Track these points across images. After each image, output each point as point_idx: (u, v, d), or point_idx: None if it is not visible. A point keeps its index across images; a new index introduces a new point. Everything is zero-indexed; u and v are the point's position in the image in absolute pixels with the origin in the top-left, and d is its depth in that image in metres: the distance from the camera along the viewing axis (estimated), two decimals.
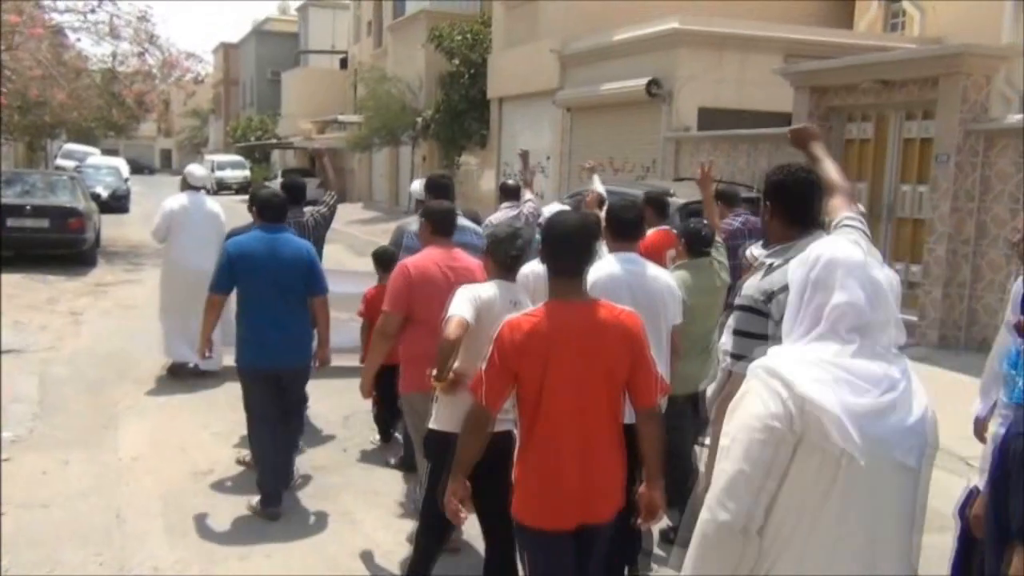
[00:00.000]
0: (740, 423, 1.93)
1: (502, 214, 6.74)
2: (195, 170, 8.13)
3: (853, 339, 1.92)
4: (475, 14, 22.89)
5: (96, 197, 18.71)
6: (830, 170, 2.82)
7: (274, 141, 39.52)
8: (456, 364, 3.30)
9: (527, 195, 6.91)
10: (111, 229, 18.14)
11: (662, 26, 14.07)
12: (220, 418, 6.46)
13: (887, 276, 2.07)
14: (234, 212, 9.17)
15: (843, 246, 2.09)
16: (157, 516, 4.76)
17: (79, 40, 16.59)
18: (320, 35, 42.05)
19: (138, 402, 6.85)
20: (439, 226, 4.14)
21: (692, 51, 13.92)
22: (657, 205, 5.73)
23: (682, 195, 8.35)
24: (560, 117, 17.33)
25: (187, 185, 7.85)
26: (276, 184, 26.53)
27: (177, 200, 7.63)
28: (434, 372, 3.23)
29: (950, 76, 8.87)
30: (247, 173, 38.36)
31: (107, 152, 36.92)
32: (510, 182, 7.30)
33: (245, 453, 5.40)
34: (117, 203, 23.41)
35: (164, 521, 4.69)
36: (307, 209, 6.38)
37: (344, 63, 37.32)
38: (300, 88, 39.30)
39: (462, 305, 3.31)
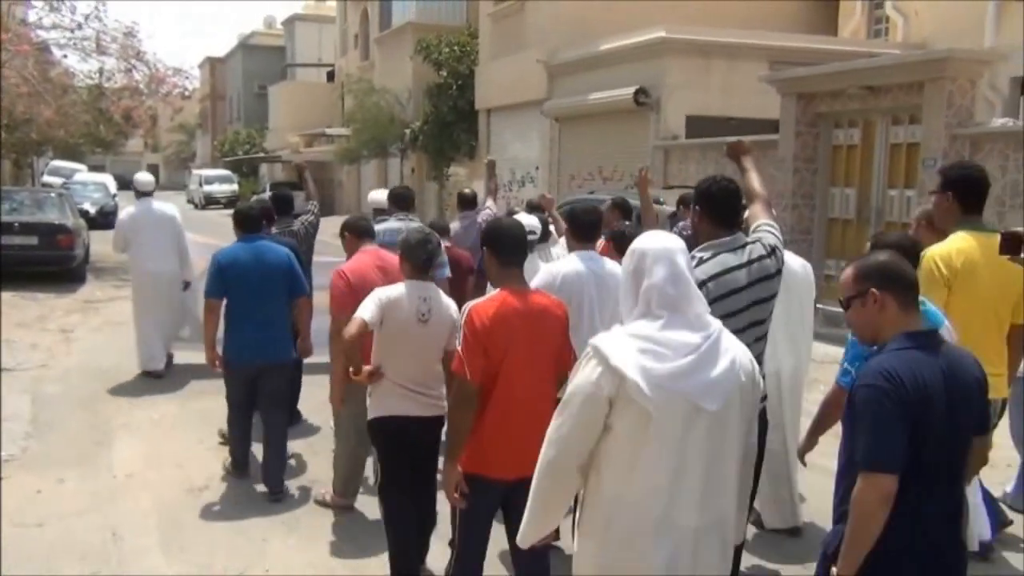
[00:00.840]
0: (574, 386, 2.46)
1: (458, 224, 7.03)
2: (140, 177, 8.58)
3: (662, 315, 2.41)
4: (462, 25, 22.97)
5: (84, 213, 18.64)
6: (754, 181, 3.53)
7: (262, 155, 39.48)
8: (374, 358, 3.85)
9: (488, 203, 7.35)
10: (100, 245, 17.98)
11: (649, 35, 14.16)
12: (215, 433, 6.43)
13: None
14: (222, 226, 9.15)
15: (653, 238, 2.55)
16: (153, 532, 4.74)
17: (65, 57, 16.64)
18: (307, 48, 42.08)
19: (132, 419, 6.82)
20: (362, 233, 4.88)
21: (679, 59, 14.01)
22: (622, 209, 6.28)
23: (671, 203, 8.41)
24: (548, 127, 17.40)
25: (138, 193, 8.27)
26: (265, 197, 26.63)
27: (127, 211, 8.21)
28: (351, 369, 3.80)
29: (935, 81, 8.96)
30: (235, 187, 38.30)
31: (94, 168, 36.79)
32: (467, 191, 7.62)
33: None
34: (105, 219, 23.24)
35: (160, 537, 4.68)
36: (299, 218, 6.78)
37: (331, 76, 37.36)
38: (287, 101, 39.28)
39: (367, 307, 3.77)
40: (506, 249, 3.36)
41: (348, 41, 32.71)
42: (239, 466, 5.50)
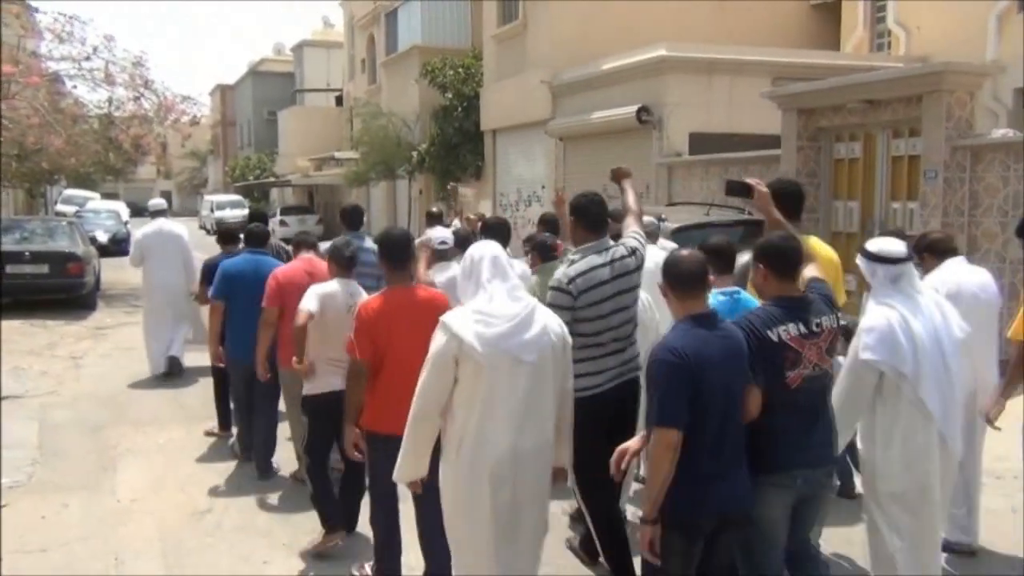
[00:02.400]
0: (430, 352, 3.33)
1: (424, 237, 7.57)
2: (153, 201, 10.13)
3: (490, 287, 3.35)
4: (466, 48, 23.14)
5: (95, 241, 18.82)
6: (629, 198, 4.48)
7: (272, 179, 39.77)
8: (308, 352, 4.75)
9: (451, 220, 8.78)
10: (111, 273, 18.22)
11: (650, 53, 14.24)
12: (219, 457, 6.49)
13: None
14: None
15: (479, 247, 3.51)
16: (156, 557, 4.77)
17: (75, 87, 16.77)
18: (315, 74, 42.47)
19: (137, 444, 6.87)
20: (299, 243, 5.92)
21: (680, 77, 14.06)
22: (548, 224, 6.68)
23: (674, 220, 8.43)
24: (553, 146, 17.47)
25: (152, 213, 9.57)
26: (275, 221, 26.79)
27: (144, 230, 9.35)
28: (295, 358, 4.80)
29: (933, 94, 8.98)
30: (246, 212, 38.48)
31: (107, 196, 37.16)
32: (434, 209, 9.00)
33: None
34: (117, 247, 23.49)
35: (163, 562, 4.71)
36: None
37: (339, 100, 37.64)
38: (297, 126, 39.59)
39: (309, 299, 4.75)
40: (392, 256, 4.13)
41: (355, 66, 32.98)
42: (246, 449, 6.30)
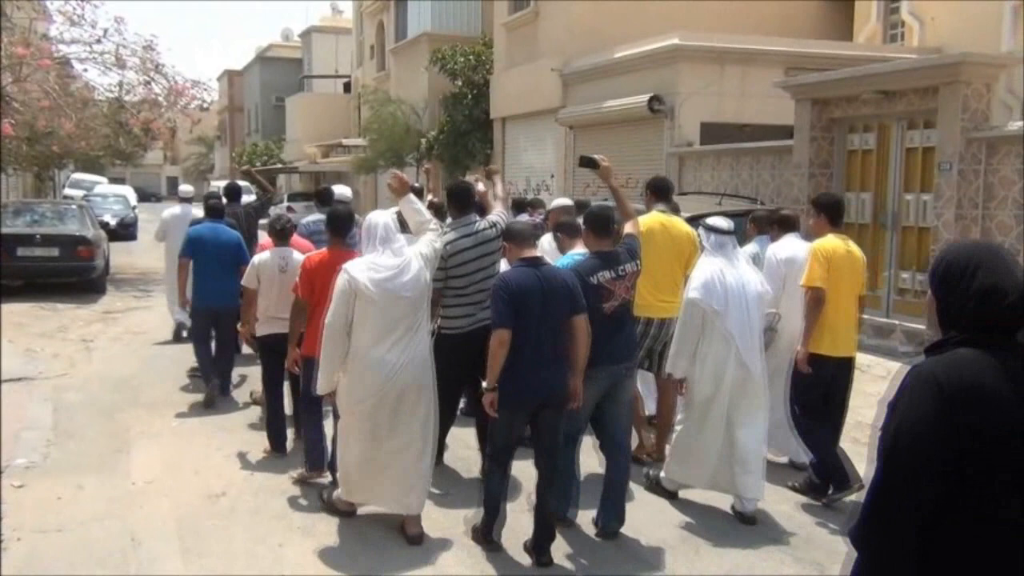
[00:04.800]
0: (335, 289, 4.58)
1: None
2: (183, 187, 11.76)
3: (380, 248, 4.64)
4: (477, 35, 23.06)
5: (104, 225, 18.84)
6: (498, 189, 6.08)
7: (279, 166, 39.74)
8: (260, 300, 6.12)
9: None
10: (119, 257, 18.27)
11: (662, 42, 14.17)
12: (232, 441, 6.51)
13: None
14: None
15: (375, 214, 4.81)
16: (172, 539, 4.79)
17: (86, 71, 16.79)
18: (323, 60, 42.36)
19: (151, 426, 6.89)
20: (280, 235, 6.44)
21: (693, 66, 14.00)
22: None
23: (686, 209, 8.41)
24: (563, 135, 17.42)
25: (180, 199, 11.01)
26: (283, 207, 26.79)
27: (171, 211, 10.52)
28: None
29: (949, 85, 8.92)
30: (252, 198, 38.41)
31: (114, 181, 37.10)
32: (416, 184, 9.18)
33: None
34: (125, 231, 23.52)
35: (180, 544, 4.73)
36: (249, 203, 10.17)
37: (348, 87, 37.56)
38: (304, 113, 39.52)
39: (248, 277, 6.21)
40: (334, 227, 5.47)
41: (364, 52, 32.90)
42: (207, 379, 7.55)
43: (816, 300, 5.25)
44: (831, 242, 5.39)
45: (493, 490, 4.61)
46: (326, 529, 4.94)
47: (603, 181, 5.40)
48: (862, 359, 6.94)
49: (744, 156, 12.32)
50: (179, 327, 9.93)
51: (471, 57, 21.47)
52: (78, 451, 6.25)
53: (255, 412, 7.08)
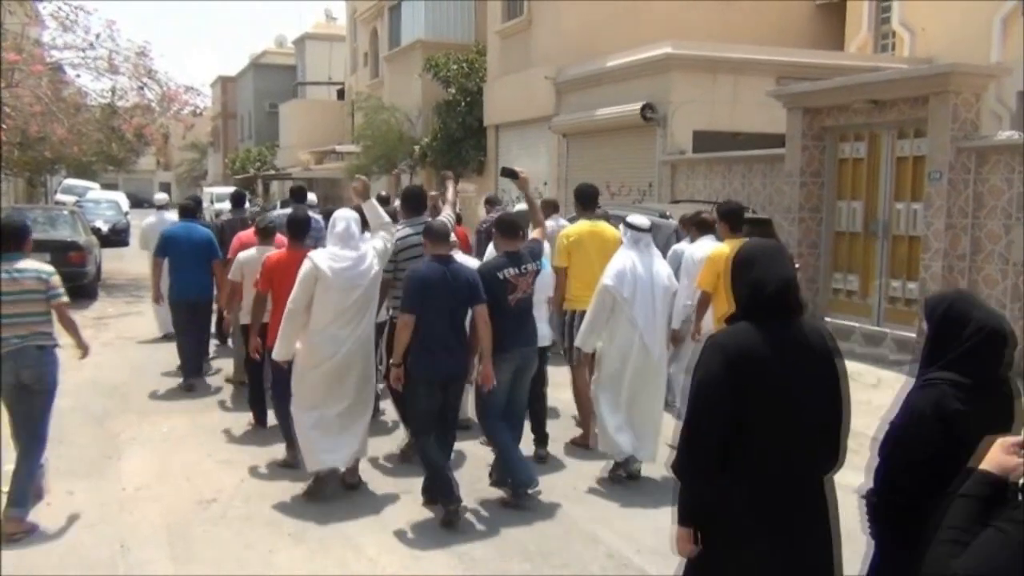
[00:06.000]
0: (300, 274, 5.24)
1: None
2: (158, 195, 12.71)
3: (340, 244, 5.32)
4: (470, 43, 23.10)
5: (96, 231, 18.78)
6: (449, 194, 6.67)
7: (273, 172, 39.69)
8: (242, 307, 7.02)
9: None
10: (111, 263, 18.21)
11: (655, 51, 14.23)
12: (223, 447, 6.50)
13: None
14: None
15: (342, 212, 5.48)
16: (162, 545, 4.78)
17: (78, 76, 16.73)
18: (317, 67, 42.37)
19: (141, 432, 6.88)
20: (263, 234, 7.26)
21: (685, 75, 14.07)
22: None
23: (677, 217, 8.46)
24: (556, 143, 17.47)
25: (156, 207, 11.80)
26: (275, 214, 26.72)
27: (148, 220, 11.34)
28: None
29: (940, 95, 8.98)
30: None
31: (107, 186, 37.04)
32: (383, 193, 9.95)
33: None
34: (117, 237, 23.43)
35: (170, 550, 4.72)
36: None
37: (341, 94, 37.56)
38: (298, 119, 39.52)
39: (234, 270, 7.06)
40: (292, 230, 6.07)
41: (358, 59, 32.91)
42: (184, 367, 8.39)
43: (703, 300, 6.30)
44: (724, 250, 6.06)
45: (432, 457, 5.12)
46: (316, 535, 4.94)
47: (520, 190, 6.27)
48: (853, 367, 6.95)
49: (736, 164, 12.37)
50: (166, 336, 10.13)
51: (464, 64, 21.52)
52: (68, 457, 6.21)
53: (245, 418, 7.07)
